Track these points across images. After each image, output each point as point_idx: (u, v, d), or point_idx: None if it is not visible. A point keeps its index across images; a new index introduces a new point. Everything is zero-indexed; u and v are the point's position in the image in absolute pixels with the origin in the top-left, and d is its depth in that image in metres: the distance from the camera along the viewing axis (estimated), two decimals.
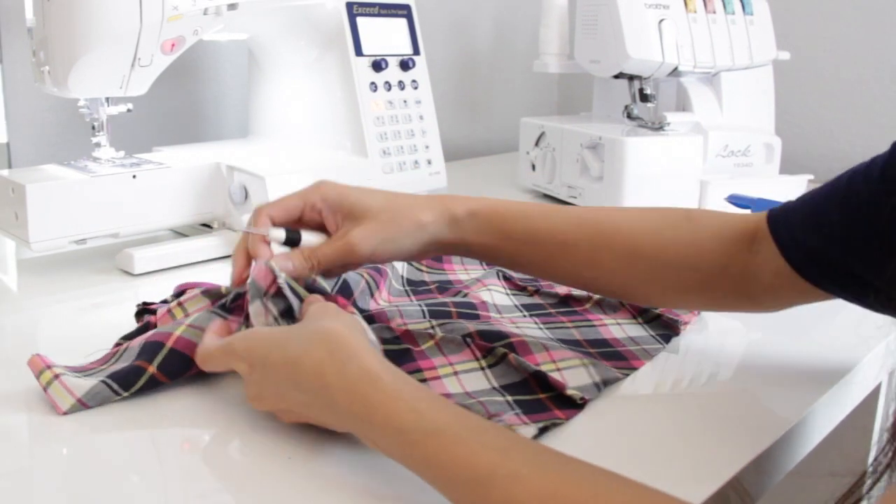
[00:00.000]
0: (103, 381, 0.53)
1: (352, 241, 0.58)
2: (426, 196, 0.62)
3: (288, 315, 0.55)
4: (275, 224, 0.59)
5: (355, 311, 0.60)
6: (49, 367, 0.53)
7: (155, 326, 0.61)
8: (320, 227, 0.61)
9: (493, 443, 0.41)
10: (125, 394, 0.53)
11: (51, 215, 0.77)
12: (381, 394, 0.44)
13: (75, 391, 0.52)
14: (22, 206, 0.76)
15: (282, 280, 0.56)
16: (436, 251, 0.63)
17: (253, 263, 0.58)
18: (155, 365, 0.54)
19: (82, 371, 0.55)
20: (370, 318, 0.65)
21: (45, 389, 0.52)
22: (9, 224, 0.79)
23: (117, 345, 0.60)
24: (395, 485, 0.45)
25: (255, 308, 0.56)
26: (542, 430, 0.51)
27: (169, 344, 0.55)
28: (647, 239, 0.60)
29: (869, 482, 0.37)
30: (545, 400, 0.55)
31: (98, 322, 0.70)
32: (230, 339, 0.52)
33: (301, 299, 0.57)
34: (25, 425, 0.52)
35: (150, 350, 0.55)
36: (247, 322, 0.57)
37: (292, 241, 0.59)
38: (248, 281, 0.57)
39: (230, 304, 0.60)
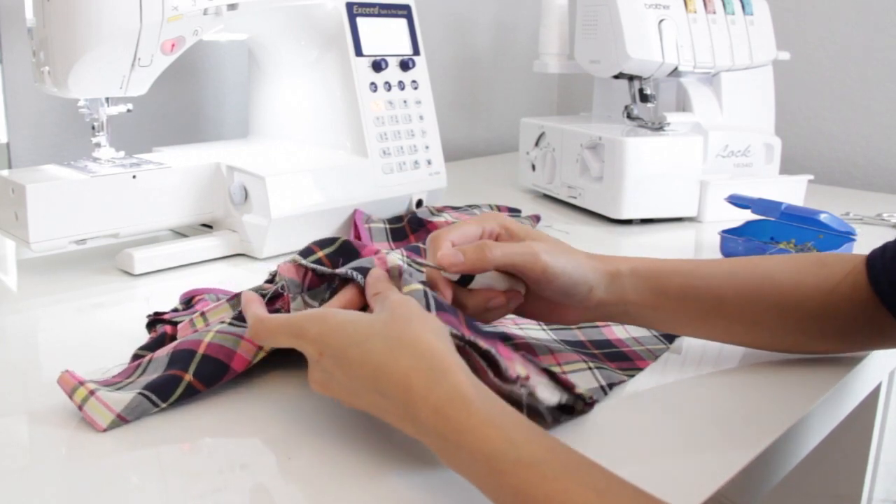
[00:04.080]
0: (141, 394, 0.51)
1: (537, 248, 0.56)
2: (585, 252, 0.61)
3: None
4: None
5: None
6: (82, 383, 0.51)
7: (172, 337, 0.60)
8: None
9: (591, 482, 0.39)
10: (163, 405, 0.52)
11: (51, 215, 0.77)
12: (474, 418, 0.41)
13: (114, 406, 0.50)
14: (22, 206, 0.76)
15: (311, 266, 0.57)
16: (588, 310, 0.60)
17: (280, 264, 0.58)
18: (191, 372, 0.53)
19: (112, 384, 0.53)
20: None
21: (80, 407, 0.50)
22: (9, 224, 0.79)
23: (136, 357, 0.59)
24: (395, 485, 0.45)
25: (296, 305, 0.56)
26: (561, 409, 0.51)
27: (200, 350, 0.54)
28: (791, 290, 0.60)
29: None
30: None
31: (98, 322, 0.70)
32: (299, 319, 0.49)
33: (331, 279, 0.57)
34: (26, 425, 0.52)
35: (182, 358, 0.54)
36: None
37: (465, 280, 0.59)
38: (280, 280, 0.57)
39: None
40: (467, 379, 0.43)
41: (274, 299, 0.58)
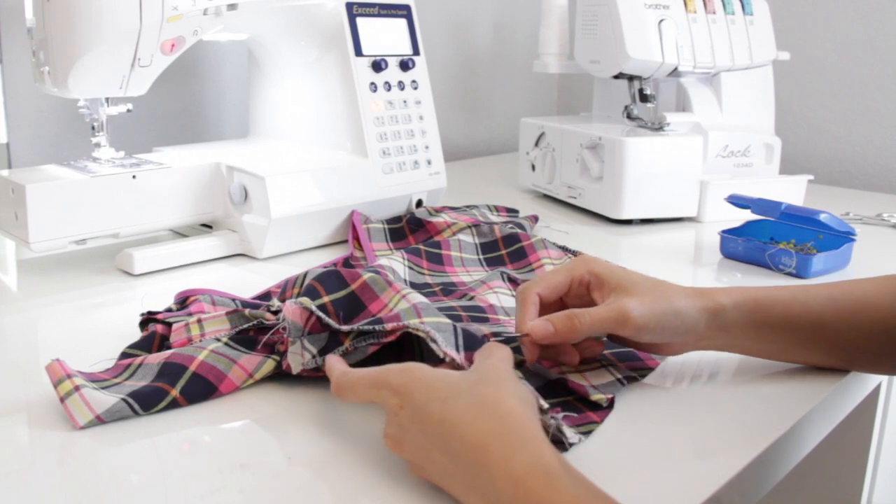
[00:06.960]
0: (124, 400, 0.51)
1: (626, 307, 0.55)
2: (685, 286, 0.60)
3: (323, 352, 0.56)
4: (543, 301, 0.58)
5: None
6: (69, 375, 0.51)
7: (164, 337, 0.61)
8: (586, 304, 0.59)
9: None
10: (143, 413, 0.52)
11: (51, 215, 0.77)
12: (558, 495, 0.38)
13: (95, 407, 0.50)
14: (22, 206, 0.76)
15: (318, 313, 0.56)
16: (685, 345, 0.60)
17: (286, 304, 0.57)
18: (178, 389, 0.53)
19: (98, 381, 0.54)
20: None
21: (62, 400, 0.50)
22: (9, 224, 0.80)
23: (126, 355, 0.59)
24: (395, 485, 0.45)
25: (294, 348, 0.56)
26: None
27: (192, 367, 0.54)
28: (890, 311, 0.59)
29: None
30: (573, 402, 0.55)
31: (98, 322, 0.70)
32: (383, 369, 0.48)
33: (334, 330, 0.56)
34: (26, 425, 0.52)
35: (172, 372, 0.54)
36: (283, 357, 0.57)
37: None
38: (284, 319, 0.56)
39: (254, 335, 0.59)
40: (549, 449, 0.40)
41: (262, 328, 0.59)
